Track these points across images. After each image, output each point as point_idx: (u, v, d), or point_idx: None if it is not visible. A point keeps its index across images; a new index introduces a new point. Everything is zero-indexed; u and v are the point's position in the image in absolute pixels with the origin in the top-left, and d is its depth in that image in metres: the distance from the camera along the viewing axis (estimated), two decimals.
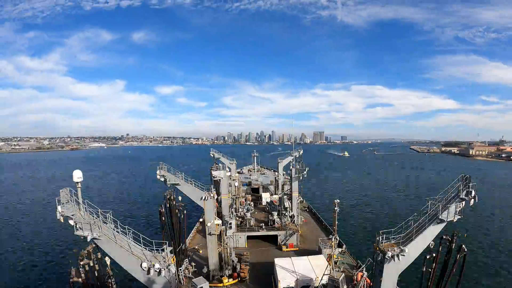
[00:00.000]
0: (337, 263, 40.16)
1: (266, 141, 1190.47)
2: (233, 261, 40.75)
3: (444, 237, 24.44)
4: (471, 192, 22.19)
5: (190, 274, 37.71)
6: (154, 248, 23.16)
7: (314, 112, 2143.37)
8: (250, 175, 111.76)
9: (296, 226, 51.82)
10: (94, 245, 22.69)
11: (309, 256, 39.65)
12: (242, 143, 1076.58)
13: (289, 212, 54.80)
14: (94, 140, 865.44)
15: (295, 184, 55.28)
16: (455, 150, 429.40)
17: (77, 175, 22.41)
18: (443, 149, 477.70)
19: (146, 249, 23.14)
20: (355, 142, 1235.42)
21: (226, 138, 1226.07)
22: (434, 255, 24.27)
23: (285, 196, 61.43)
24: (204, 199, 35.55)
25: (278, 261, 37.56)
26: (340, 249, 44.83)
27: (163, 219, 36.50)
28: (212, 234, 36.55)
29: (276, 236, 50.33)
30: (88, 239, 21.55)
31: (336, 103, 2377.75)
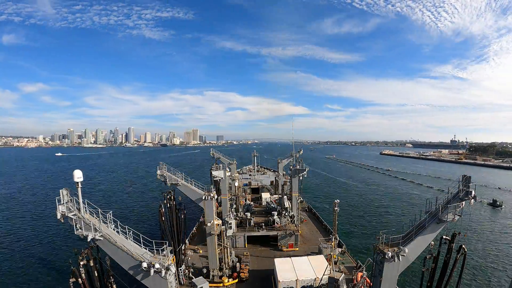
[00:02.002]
0: (337, 263, 40.19)
1: (121, 140, 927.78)
2: (233, 261, 40.79)
3: (444, 237, 24.45)
4: (471, 192, 22.19)
5: (190, 274, 37.74)
6: (154, 248, 23.14)
7: (178, 114, 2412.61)
8: (250, 175, 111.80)
9: (296, 226, 51.83)
10: (94, 245, 22.69)
11: (309, 256, 39.68)
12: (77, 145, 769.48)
13: (289, 212, 54.80)
14: None
15: (295, 184, 55.28)
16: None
17: (77, 175, 22.37)
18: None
19: (146, 249, 23.13)
20: (235, 142, 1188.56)
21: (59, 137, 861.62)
22: (434, 255, 24.29)
23: (285, 196, 61.45)
24: (204, 199, 35.54)
25: (278, 261, 37.58)
26: (340, 249, 44.88)
27: (163, 219, 36.51)
28: (212, 234, 36.55)
29: (276, 236, 50.33)
30: (88, 239, 21.56)
31: (196, 106, 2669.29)
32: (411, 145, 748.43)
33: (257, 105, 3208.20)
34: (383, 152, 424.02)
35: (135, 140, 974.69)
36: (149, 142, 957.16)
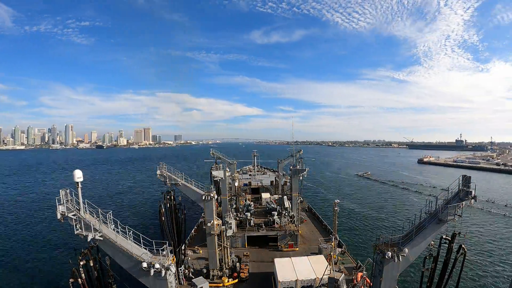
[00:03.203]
0: (337, 263, 40.19)
1: (61, 140, 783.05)
2: (233, 261, 40.79)
3: (444, 237, 24.45)
4: (470, 192, 22.17)
5: (190, 274, 37.75)
6: (154, 248, 23.14)
7: (135, 114, 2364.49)
8: (250, 175, 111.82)
9: (296, 226, 51.83)
10: (94, 245, 22.68)
11: (309, 256, 39.69)
12: None
13: (289, 212, 54.81)
14: None
15: (295, 184, 55.28)
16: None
17: (77, 175, 22.35)
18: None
19: (146, 249, 23.13)
20: (193, 142, 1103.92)
21: None
22: (434, 255, 24.28)
23: (285, 196, 61.46)
24: (204, 199, 35.53)
25: (278, 261, 37.58)
26: (340, 249, 44.89)
27: (163, 219, 36.50)
28: (212, 234, 36.55)
29: (276, 236, 50.32)
30: (88, 239, 21.54)
31: (152, 106, 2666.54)
32: (405, 146, 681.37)
33: (211, 106, 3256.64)
34: (424, 159, 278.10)
35: (78, 140, 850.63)
36: (87, 143, 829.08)
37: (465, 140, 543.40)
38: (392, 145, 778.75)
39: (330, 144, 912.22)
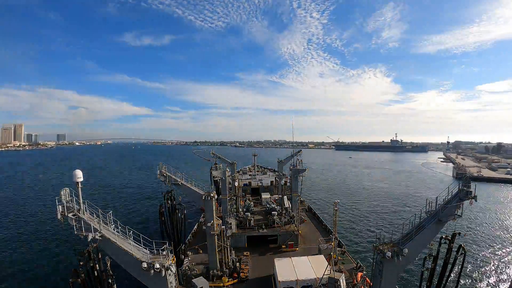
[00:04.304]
0: (337, 263, 40.19)
1: None
2: (233, 261, 40.78)
3: (444, 237, 24.46)
4: (470, 192, 22.17)
5: (190, 274, 37.75)
6: (154, 248, 23.15)
7: (17, 111, 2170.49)
8: (250, 175, 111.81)
9: (296, 226, 51.84)
10: (94, 245, 22.68)
11: (309, 256, 39.67)
12: None
13: (289, 212, 54.82)
14: None
15: (295, 184, 55.29)
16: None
17: (78, 175, 22.36)
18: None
19: (146, 249, 23.14)
20: (77, 143, 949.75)
21: None
22: (434, 255, 24.28)
23: (285, 196, 61.48)
24: (204, 199, 35.54)
25: (278, 261, 37.59)
26: (340, 249, 44.90)
27: (163, 219, 36.53)
28: (212, 234, 36.56)
29: (276, 236, 50.34)
30: (88, 239, 21.55)
31: (35, 103, 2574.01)
32: (334, 147, 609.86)
33: (98, 105, 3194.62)
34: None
35: None
36: None
37: (401, 140, 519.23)
38: (309, 146, 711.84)
39: (238, 145, 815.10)
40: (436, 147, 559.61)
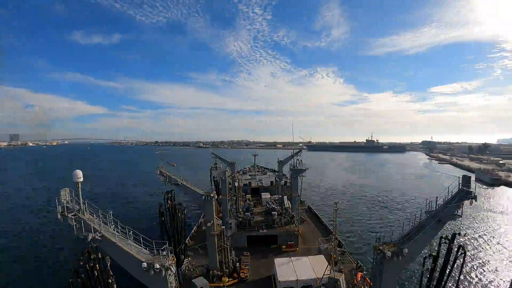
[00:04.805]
0: (337, 263, 40.19)
1: None
2: (233, 261, 40.78)
3: (444, 237, 24.47)
4: (471, 192, 22.18)
5: (190, 274, 37.76)
6: (154, 248, 23.12)
7: None
8: (250, 175, 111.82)
9: (296, 226, 51.83)
10: (94, 245, 22.68)
11: (309, 256, 39.70)
12: None
13: (289, 212, 54.81)
14: None
15: (295, 184, 55.28)
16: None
17: (78, 175, 22.35)
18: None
19: (146, 249, 23.12)
20: (31, 144, 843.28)
21: None
22: (434, 255, 24.29)
23: (285, 196, 61.47)
24: (204, 199, 35.54)
25: (278, 261, 37.59)
26: (340, 249, 44.89)
27: (163, 219, 36.54)
28: (212, 234, 36.56)
29: (276, 236, 50.33)
30: (88, 239, 21.53)
31: None
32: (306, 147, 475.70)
33: (52, 103, 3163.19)
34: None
35: None
36: None
37: (377, 140, 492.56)
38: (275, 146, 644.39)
39: (202, 145, 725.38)
40: (411, 147, 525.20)
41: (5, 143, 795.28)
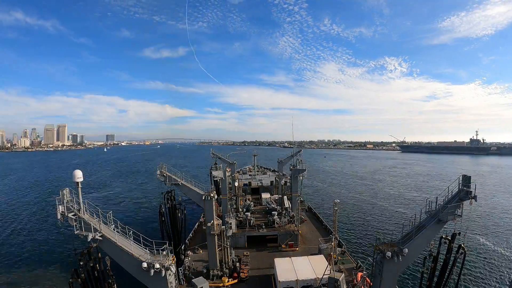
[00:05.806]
0: (337, 263, 40.18)
1: None
2: (233, 261, 40.79)
3: (444, 237, 24.45)
4: (471, 192, 22.16)
5: (190, 274, 37.76)
6: (154, 248, 23.12)
7: (70, 115, 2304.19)
8: (250, 175, 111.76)
9: (296, 226, 51.84)
10: (94, 245, 22.68)
11: (309, 256, 39.68)
12: None
13: (289, 212, 54.80)
14: None
15: (295, 184, 55.27)
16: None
17: (78, 175, 22.36)
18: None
19: (146, 249, 23.12)
20: (123, 143, 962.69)
21: None
22: (434, 255, 24.28)
23: (285, 196, 61.46)
24: (204, 199, 35.53)
25: (278, 261, 37.58)
26: (340, 249, 44.88)
27: (163, 219, 36.52)
28: (212, 234, 36.56)
29: (276, 236, 50.33)
30: (88, 239, 21.55)
31: (88, 108, 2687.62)
32: (399, 148, 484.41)
33: (142, 108, 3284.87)
34: None
35: None
36: None
37: (483, 140, 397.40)
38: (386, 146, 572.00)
39: (287, 145, 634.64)
40: None
41: (102, 143, 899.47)
